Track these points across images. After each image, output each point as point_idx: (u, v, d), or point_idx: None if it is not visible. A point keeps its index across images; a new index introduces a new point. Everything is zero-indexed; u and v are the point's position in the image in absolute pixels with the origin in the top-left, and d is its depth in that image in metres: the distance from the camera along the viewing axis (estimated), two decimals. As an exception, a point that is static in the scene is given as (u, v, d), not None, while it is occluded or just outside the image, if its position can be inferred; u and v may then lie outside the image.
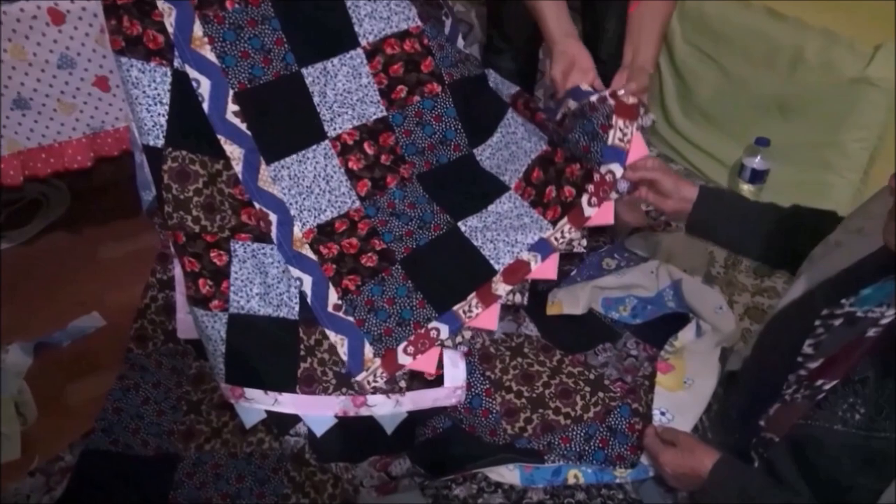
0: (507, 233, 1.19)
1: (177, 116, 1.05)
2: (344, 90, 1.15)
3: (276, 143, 1.12)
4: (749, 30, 1.50)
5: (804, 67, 1.42)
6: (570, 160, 1.16)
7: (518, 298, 1.16)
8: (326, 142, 1.15)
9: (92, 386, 1.26)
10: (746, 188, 1.51)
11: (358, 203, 1.18)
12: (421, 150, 1.22)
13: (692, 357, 1.12)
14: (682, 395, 1.06)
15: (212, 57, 1.06)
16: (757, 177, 1.48)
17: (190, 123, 1.06)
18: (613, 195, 1.11)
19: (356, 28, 1.14)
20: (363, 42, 1.15)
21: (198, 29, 1.05)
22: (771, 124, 1.50)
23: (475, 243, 1.19)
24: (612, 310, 1.33)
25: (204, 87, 1.06)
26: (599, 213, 1.11)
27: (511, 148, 1.25)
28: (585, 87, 1.13)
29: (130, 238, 1.58)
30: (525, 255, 1.16)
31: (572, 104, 1.14)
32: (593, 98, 1.09)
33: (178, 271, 1.11)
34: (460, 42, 1.32)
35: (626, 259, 1.43)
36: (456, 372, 1.12)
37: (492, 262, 1.18)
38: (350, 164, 1.17)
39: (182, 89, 1.05)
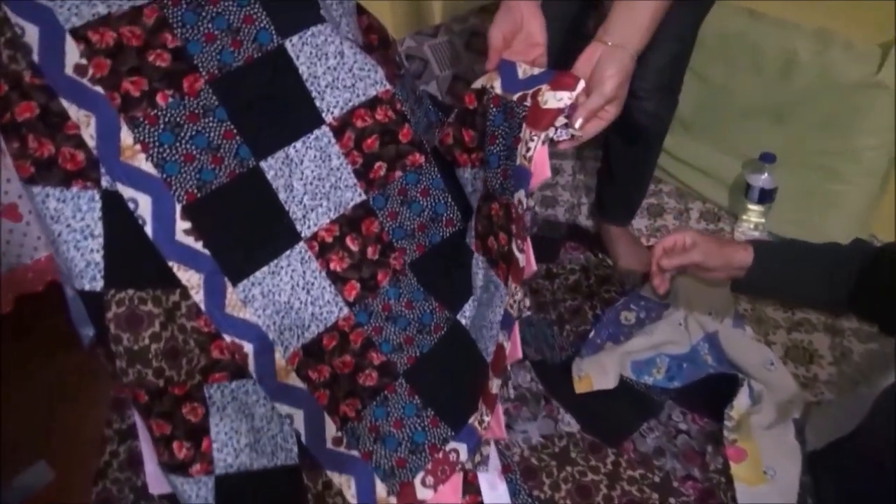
0: (484, 313, 1.03)
1: (115, 249, 0.84)
2: (314, 178, 0.96)
3: (242, 258, 0.92)
4: (729, 34, 1.38)
5: (799, 71, 1.30)
6: (490, 196, 0.98)
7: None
8: (301, 244, 0.96)
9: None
10: (755, 209, 1.39)
11: (347, 310, 0.99)
12: (410, 233, 1.04)
13: (763, 437, 0.98)
14: (765, 489, 0.92)
15: (148, 168, 0.85)
16: (766, 196, 1.36)
17: (133, 255, 0.85)
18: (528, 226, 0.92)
19: (318, 103, 0.95)
20: (328, 118, 0.96)
21: (126, 136, 0.84)
22: (767, 135, 1.38)
23: (473, 337, 1.03)
24: (643, 374, 1.18)
25: (143, 206, 0.85)
26: (527, 259, 0.91)
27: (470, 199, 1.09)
28: (523, 67, 0.91)
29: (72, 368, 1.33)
30: (500, 337, 0.99)
31: (496, 87, 0.94)
32: (517, 95, 0.90)
33: (139, 420, 0.90)
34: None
35: (644, 308, 1.29)
36: (496, 496, 0.94)
37: (484, 354, 1.01)
38: (332, 266, 0.98)
39: (116, 214, 0.84)
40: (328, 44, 0.94)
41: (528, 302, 0.93)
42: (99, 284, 0.83)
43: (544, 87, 0.86)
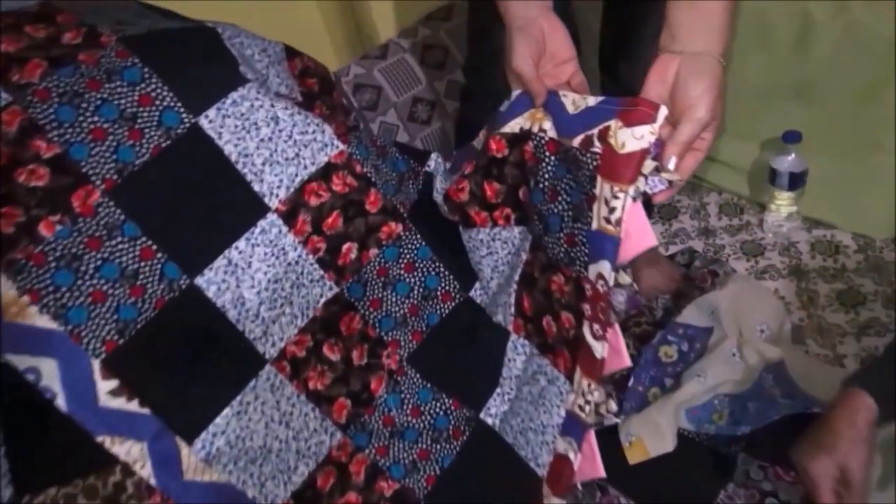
0: (529, 411, 0.84)
1: (19, 443, 0.62)
2: (269, 282, 0.75)
3: (195, 405, 0.71)
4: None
5: (816, 38, 1.12)
6: (552, 265, 0.78)
7: None
8: (268, 368, 0.75)
9: None
10: (785, 197, 1.20)
11: (340, 435, 0.79)
12: (402, 320, 0.84)
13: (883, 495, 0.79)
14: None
15: (44, 322, 0.64)
16: (797, 181, 1.17)
17: (47, 444, 0.64)
18: (616, 317, 0.71)
19: (256, 186, 0.74)
20: (273, 202, 0.75)
21: (7, 288, 0.63)
22: (786, 114, 1.19)
23: (508, 440, 0.83)
24: (703, 421, 0.98)
25: (48, 374, 0.64)
26: (611, 351, 0.73)
27: (498, 270, 0.89)
28: (571, 96, 0.72)
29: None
30: (561, 447, 0.80)
31: (549, 130, 0.74)
32: (578, 138, 0.70)
33: None
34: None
35: (686, 338, 1.09)
36: None
37: (532, 465, 0.82)
38: (312, 385, 0.77)
39: (15, 396, 0.63)
40: (256, 110, 0.74)
41: (613, 405, 0.74)
42: (6, 494, 0.62)
43: (613, 123, 0.66)
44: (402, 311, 0.84)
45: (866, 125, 1.11)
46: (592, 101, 0.70)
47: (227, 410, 0.72)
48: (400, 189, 0.87)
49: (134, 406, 0.67)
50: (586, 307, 0.72)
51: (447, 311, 0.86)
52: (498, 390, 0.85)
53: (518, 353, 0.83)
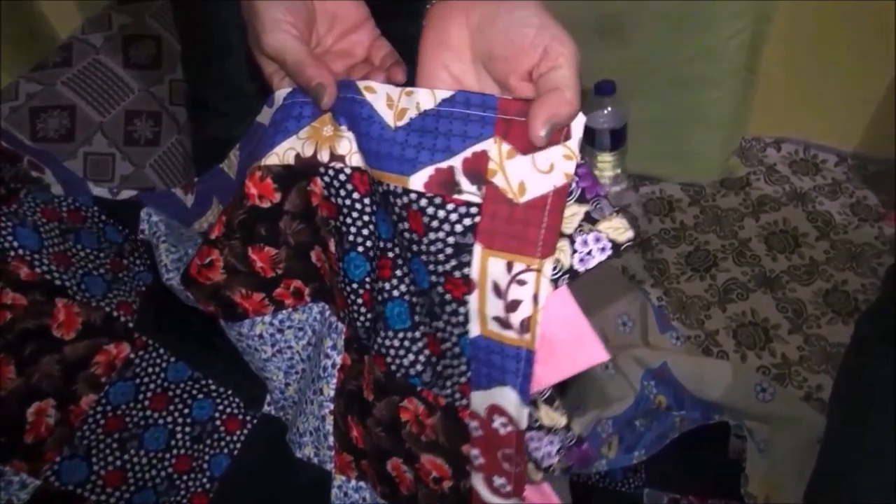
0: None
1: None
2: None
3: None
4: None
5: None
6: (391, 383, 0.48)
7: None
8: None
9: None
10: (609, 159, 1.03)
11: None
12: (166, 487, 0.53)
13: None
14: None
15: None
16: (618, 138, 1.01)
17: None
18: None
19: None
20: None
21: None
22: (598, 58, 1.01)
23: None
24: (592, 459, 0.80)
25: None
26: None
27: (294, 372, 0.60)
28: (384, 90, 0.41)
29: None
30: None
31: (352, 155, 0.43)
32: (420, 177, 0.39)
33: None
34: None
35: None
36: None
37: None
38: None
39: None
40: None
41: None
42: None
43: (492, 144, 0.37)
44: (163, 474, 0.53)
45: (689, 60, 0.97)
46: (426, 97, 0.39)
47: None
48: (118, 277, 0.55)
49: None
50: (474, 453, 0.45)
51: (238, 446, 0.56)
52: None
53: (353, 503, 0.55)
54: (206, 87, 0.74)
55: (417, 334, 0.43)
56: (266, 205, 0.48)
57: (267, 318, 0.53)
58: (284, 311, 0.53)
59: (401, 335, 0.44)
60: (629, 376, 0.83)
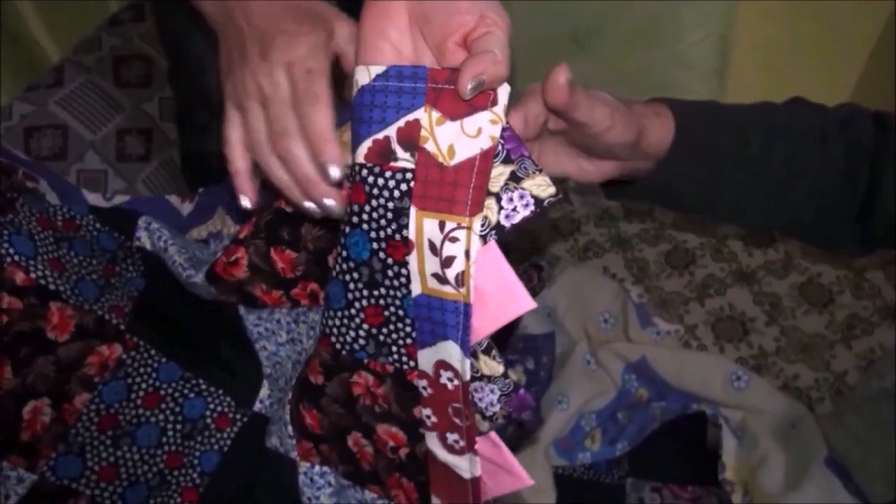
0: None
1: None
2: None
3: None
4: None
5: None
6: (338, 362, 0.49)
7: None
8: None
9: None
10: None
11: None
12: (158, 482, 0.55)
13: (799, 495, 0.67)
14: None
15: None
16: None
17: None
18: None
19: None
20: None
21: None
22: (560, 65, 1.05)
23: None
24: (576, 452, 0.82)
25: None
26: (493, 468, 0.47)
27: (300, 365, 0.62)
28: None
29: None
30: None
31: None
32: (361, 149, 0.42)
33: None
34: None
35: (528, 354, 0.92)
36: None
37: None
38: None
39: None
40: None
41: None
42: None
43: (423, 113, 0.40)
44: (155, 470, 0.55)
45: (660, 68, 1.00)
46: (363, 74, 0.41)
47: None
48: (110, 283, 0.57)
49: None
50: (426, 413, 0.48)
51: (229, 443, 0.59)
52: None
53: (319, 488, 0.57)
54: (190, 102, 0.77)
55: (353, 311, 0.46)
56: (290, 209, 0.51)
57: (283, 311, 0.57)
58: (300, 309, 0.56)
59: (339, 314, 0.47)
60: (610, 371, 0.85)
